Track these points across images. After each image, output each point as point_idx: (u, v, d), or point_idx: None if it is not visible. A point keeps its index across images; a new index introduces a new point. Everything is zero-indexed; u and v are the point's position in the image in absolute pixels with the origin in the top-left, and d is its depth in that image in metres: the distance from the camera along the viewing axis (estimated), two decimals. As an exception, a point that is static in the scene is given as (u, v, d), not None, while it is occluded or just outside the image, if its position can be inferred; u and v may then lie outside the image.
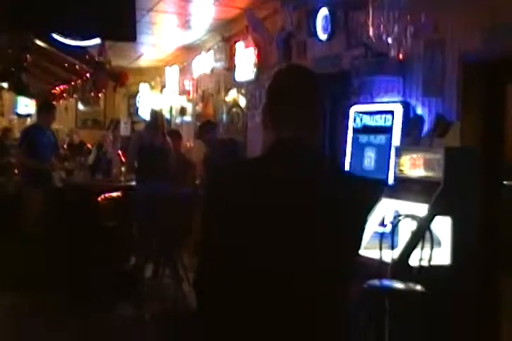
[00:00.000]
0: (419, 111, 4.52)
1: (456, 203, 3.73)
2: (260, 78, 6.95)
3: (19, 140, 6.74)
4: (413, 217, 3.77)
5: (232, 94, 7.85)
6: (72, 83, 10.34)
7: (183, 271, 6.12)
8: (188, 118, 9.48)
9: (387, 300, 3.51)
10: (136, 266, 6.48)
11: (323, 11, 5.63)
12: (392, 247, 3.69)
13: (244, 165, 1.67)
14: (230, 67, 7.64)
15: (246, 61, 7.13)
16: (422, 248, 3.56)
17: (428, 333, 3.49)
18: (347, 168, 4.95)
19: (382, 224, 4.10)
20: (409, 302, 3.45)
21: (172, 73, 9.89)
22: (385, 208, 4.15)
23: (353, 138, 5.00)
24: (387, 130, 4.59)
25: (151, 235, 6.06)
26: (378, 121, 4.72)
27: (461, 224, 3.73)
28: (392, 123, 4.56)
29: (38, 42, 7.97)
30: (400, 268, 3.58)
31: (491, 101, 4.11)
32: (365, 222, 1.63)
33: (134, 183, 6.87)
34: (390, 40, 4.62)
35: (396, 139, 4.50)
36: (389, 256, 3.65)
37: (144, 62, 11.03)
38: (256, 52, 6.98)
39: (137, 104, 11.46)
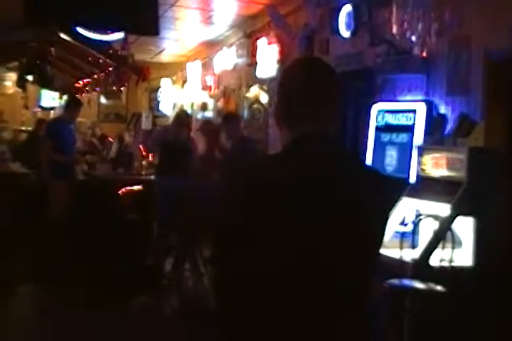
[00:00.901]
0: (442, 110, 4.48)
1: (478, 204, 3.70)
2: (282, 74, 6.93)
3: (45, 132, 6.81)
4: (435, 217, 3.75)
5: (254, 90, 7.85)
6: (95, 77, 10.41)
7: (203, 265, 6.16)
8: (209, 113, 9.50)
9: (407, 299, 3.50)
10: (156, 260, 6.53)
11: (347, 8, 5.60)
12: (413, 247, 3.67)
13: (265, 165, 1.59)
14: (252, 63, 7.64)
15: (268, 57, 7.12)
16: (443, 248, 3.54)
17: (447, 333, 3.47)
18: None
19: (403, 223, 4.08)
20: (430, 302, 3.44)
21: (194, 68, 9.91)
22: (406, 207, 4.13)
23: (375, 136, 4.98)
24: (410, 129, 4.56)
25: (170, 229, 6.11)
26: (401, 119, 4.69)
27: (483, 225, 3.70)
28: (415, 122, 4.53)
29: (63, 35, 8.04)
30: (421, 268, 3.56)
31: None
32: (387, 218, 1.62)
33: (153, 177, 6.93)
34: (413, 38, 4.59)
35: (418, 138, 4.47)
36: (410, 255, 3.63)
37: (166, 57, 11.07)
38: (278, 48, 6.97)
39: (159, 99, 11.51)
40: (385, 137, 4.85)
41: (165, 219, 6.12)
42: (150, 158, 9.22)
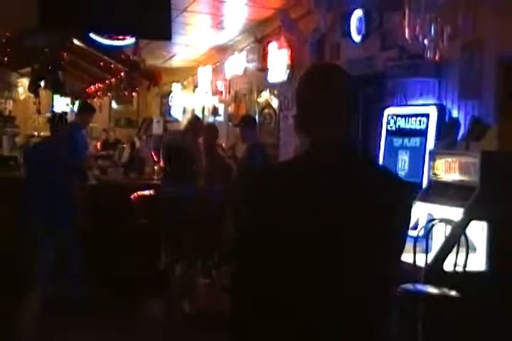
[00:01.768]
0: (455, 114, 4.46)
1: (492, 208, 3.67)
2: (293, 79, 6.94)
3: None
4: (448, 222, 3.73)
5: (265, 95, 7.85)
6: (107, 82, 10.48)
7: (214, 270, 6.16)
8: (220, 118, 9.52)
9: (420, 304, 3.48)
10: (167, 265, 6.54)
11: (358, 12, 5.60)
12: (426, 251, 3.65)
13: (280, 172, 1.60)
14: (263, 68, 7.65)
15: (279, 62, 7.13)
16: (457, 253, 3.52)
17: (460, 338, 3.45)
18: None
19: (416, 227, 4.06)
20: (443, 307, 3.42)
21: (205, 73, 9.94)
22: (419, 212, 4.12)
23: (386, 140, 4.97)
24: (422, 133, 4.55)
25: (179, 235, 6.10)
26: (413, 124, 4.68)
27: (497, 230, 3.67)
28: (427, 127, 4.52)
29: (75, 41, 8.10)
30: (434, 272, 3.55)
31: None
32: (407, 224, 1.63)
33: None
34: (426, 42, 4.57)
35: (431, 142, 4.46)
36: (423, 260, 3.61)
37: (177, 61, 11.11)
38: (289, 53, 6.97)
39: (170, 104, 11.55)
40: (397, 141, 4.84)
41: (171, 224, 6.10)
42: (162, 163, 9.25)
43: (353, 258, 1.49)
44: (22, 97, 12.72)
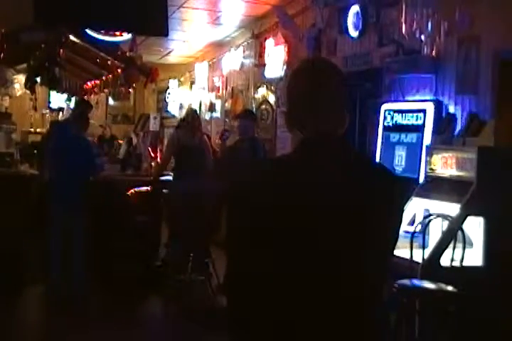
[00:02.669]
0: (451, 109, 4.47)
1: (488, 203, 3.68)
2: (290, 75, 6.93)
3: (51, 134, 6.80)
4: (445, 217, 3.74)
5: (262, 91, 7.85)
6: (104, 78, 10.44)
7: (211, 266, 6.16)
8: (217, 114, 9.51)
9: (417, 300, 3.48)
10: (164, 261, 6.54)
11: (355, 8, 5.60)
12: (423, 247, 3.66)
13: (275, 167, 1.57)
14: (260, 64, 7.64)
15: (276, 58, 7.12)
16: (454, 248, 3.53)
17: (457, 334, 3.45)
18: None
19: (413, 223, 4.07)
20: (440, 303, 3.43)
21: (202, 69, 9.92)
22: (416, 207, 4.12)
23: (383, 136, 4.97)
24: (419, 128, 4.55)
25: (181, 231, 6.10)
26: (410, 119, 4.68)
27: (494, 225, 3.68)
28: (424, 122, 4.52)
29: (72, 37, 8.07)
30: (431, 268, 3.55)
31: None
32: (400, 218, 1.63)
33: (164, 178, 6.94)
34: (422, 37, 4.58)
35: (428, 138, 4.46)
36: (420, 255, 3.62)
37: (173, 58, 11.08)
38: (286, 49, 6.96)
39: (166, 100, 11.52)
40: (394, 137, 4.84)
41: (179, 221, 6.08)
42: (159, 160, 9.24)
43: (348, 254, 1.48)
44: (18, 94, 12.67)
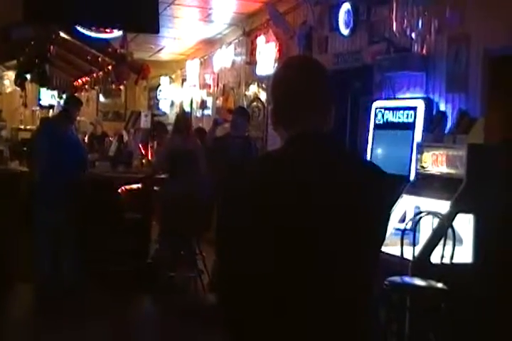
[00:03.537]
0: (442, 107, 4.48)
1: (478, 201, 3.70)
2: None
3: (41, 131, 6.75)
4: (435, 214, 3.76)
5: (253, 89, 7.85)
6: (94, 75, 10.40)
7: (202, 264, 6.16)
8: (208, 111, 9.50)
9: (407, 296, 3.50)
10: (155, 259, 6.53)
11: (346, 6, 5.60)
12: (414, 244, 3.68)
13: (261, 166, 1.56)
14: (251, 61, 7.64)
15: (267, 55, 7.12)
16: (444, 245, 3.55)
17: (448, 331, 3.48)
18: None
19: (403, 220, 4.09)
20: (430, 300, 3.45)
21: (193, 66, 9.91)
22: (406, 204, 4.14)
23: (374, 134, 4.98)
24: (410, 126, 4.57)
25: (172, 228, 6.09)
26: (400, 117, 4.69)
27: (483, 222, 3.70)
28: (415, 120, 4.53)
29: (62, 34, 8.03)
30: (421, 265, 3.57)
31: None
32: (388, 215, 1.64)
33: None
34: (413, 35, 4.59)
35: (418, 135, 4.48)
36: (410, 252, 3.64)
37: (164, 55, 11.06)
38: (277, 46, 6.96)
39: (158, 97, 11.50)
40: (385, 135, 4.86)
41: (170, 219, 6.07)
42: (149, 157, 9.22)
43: (340, 251, 1.48)
44: (8, 90, 12.61)
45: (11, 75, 11.00)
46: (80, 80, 11.36)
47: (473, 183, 3.73)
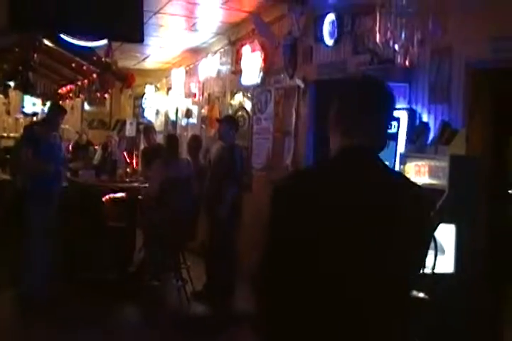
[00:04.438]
0: (425, 118, 4.52)
1: (460, 211, 3.73)
2: (266, 82, 6.97)
3: (23, 138, 6.71)
4: (417, 225, 3.78)
5: (238, 98, 7.86)
6: (79, 83, 10.38)
7: (186, 273, 6.14)
8: (193, 120, 9.50)
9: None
10: (139, 267, 6.50)
11: (330, 17, 5.65)
12: (396, 254, 3.69)
13: (311, 176, 1.66)
14: (237, 71, 7.66)
15: (252, 65, 7.14)
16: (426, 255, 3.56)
17: (429, 340, 3.49)
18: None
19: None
20: (412, 309, 3.46)
21: (178, 75, 9.91)
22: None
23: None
24: (393, 137, 4.60)
25: (157, 238, 6.07)
26: (384, 127, 4.72)
27: (465, 232, 3.73)
28: (398, 130, 4.57)
29: (46, 42, 8.01)
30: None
31: (497, 109, 4.11)
32: (430, 237, 1.75)
33: (140, 185, 6.92)
34: (396, 47, 4.63)
35: (401, 146, 4.51)
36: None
37: (150, 63, 11.05)
38: (262, 56, 6.99)
39: (143, 106, 11.48)
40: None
41: (155, 229, 6.05)
42: (134, 166, 9.20)
43: (384, 257, 1.55)
44: (-8, 98, 12.53)
45: (-6, 82, 10.92)
46: (64, 88, 11.34)
47: (455, 194, 3.76)
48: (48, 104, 10.62)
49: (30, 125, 9.06)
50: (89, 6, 5.71)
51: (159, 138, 9.50)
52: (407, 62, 4.58)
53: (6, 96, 10.85)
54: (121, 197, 6.95)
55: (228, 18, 7.60)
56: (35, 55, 8.73)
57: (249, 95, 7.51)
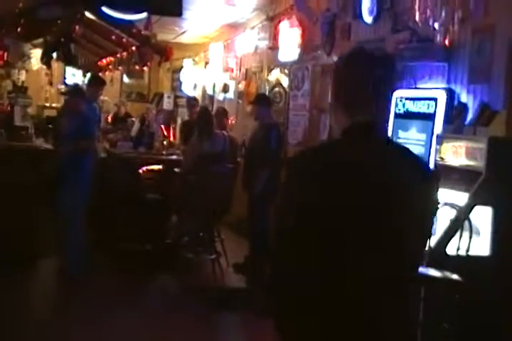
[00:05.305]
0: (463, 98, 4.47)
1: (497, 194, 3.70)
2: (303, 58, 6.93)
3: (65, 110, 6.82)
4: (452, 206, 3.77)
5: (275, 74, 7.85)
6: (118, 56, 10.47)
7: (221, 246, 6.25)
8: (230, 95, 9.53)
9: (422, 287, 3.54)
10: (174, 240, 6.64)
11: (370, -7, 5.56)
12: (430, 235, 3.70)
13: (322, 152, 1.68)
14: (274, 47, 7.63)
15: (290, 41, 7.10)
16: (461, 237, 3.57)
17: (462, 322, 3.51)
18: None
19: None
20: (445, 291, 3.48)
21: (216, 50, 9.91)
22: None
23: (394, 123, 4.98)
24: (430, 117, 4.56)
25: (192, 210, 6.18)
26: (421, 107, 4.69)
27: (502, 215, 3.71)
28: (435, 110, 4.53)
29: (88, 14, 8.10)
30: (437, 256, 3.60)
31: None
32: (435, 208, 1.77)
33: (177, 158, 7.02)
34: (436, 25, 4.56)
35: (438, 126, 4.48)
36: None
37: (188, 37, 11.07)
38: (300, 32, 6.94)
39: (181, 79, 11.54)
40: (405, 124, 4.86)
41: (191, 201, 6.15)
42: (171, 139, 9.31)
43: (393, 232, 1.57)
44: (35, 68, 12.72)
45: (37, 53, 11.09)
46: (104, 60, 11.44)
47: (492, 176, 3.73)
48: (88, 75, 10.75)
49: (70, 98, 9.21)
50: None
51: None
52: (446, 41, 4.52)
53: (49, 67, 11.01)
54: (158, 170, 7.06)
55: (267, -7, 7.55)
56: (77, 28, 8.82)
57: (286, 71, 7.49)
